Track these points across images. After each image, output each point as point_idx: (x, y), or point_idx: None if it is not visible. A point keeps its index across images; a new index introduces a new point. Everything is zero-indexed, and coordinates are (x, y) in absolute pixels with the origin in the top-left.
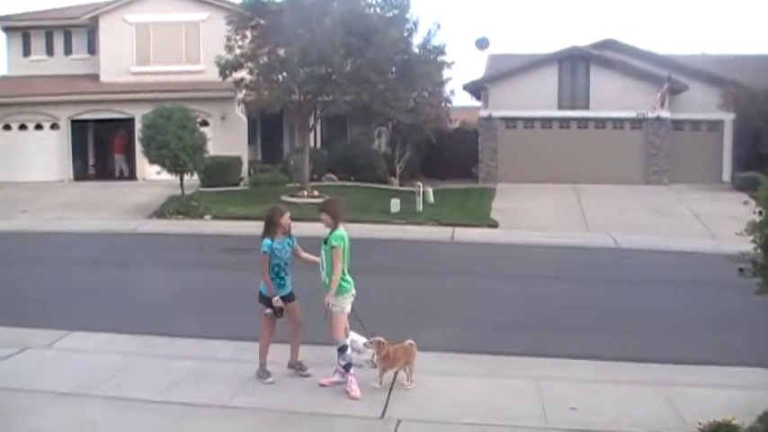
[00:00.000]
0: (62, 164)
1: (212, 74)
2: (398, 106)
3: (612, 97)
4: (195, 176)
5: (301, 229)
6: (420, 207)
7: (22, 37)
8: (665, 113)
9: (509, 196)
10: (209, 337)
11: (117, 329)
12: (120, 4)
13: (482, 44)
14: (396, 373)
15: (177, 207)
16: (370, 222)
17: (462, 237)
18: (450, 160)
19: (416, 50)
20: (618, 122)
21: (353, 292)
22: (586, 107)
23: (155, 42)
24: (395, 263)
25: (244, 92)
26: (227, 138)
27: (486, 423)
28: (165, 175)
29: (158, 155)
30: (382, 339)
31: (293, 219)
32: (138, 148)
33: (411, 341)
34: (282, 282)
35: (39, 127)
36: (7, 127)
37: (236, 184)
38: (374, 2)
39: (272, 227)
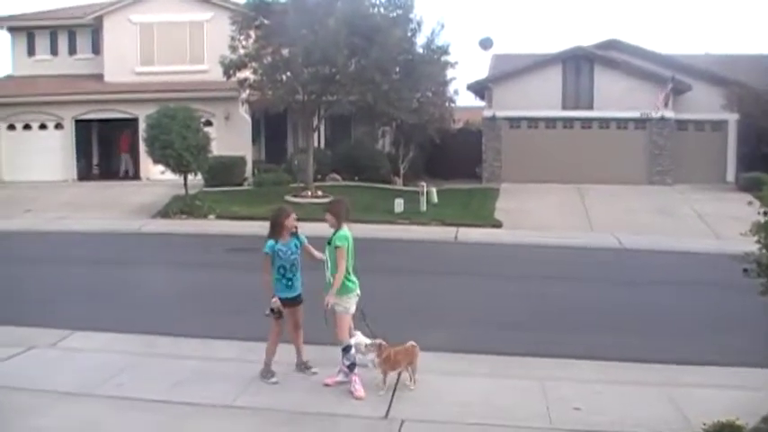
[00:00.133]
0: (66, 163)
1: (216, 74)
2: (402, 106)
3: (616, 97)
4: (199, 176)
5: (305, 229)
6: (424, 207)
7: (26, 37)
8: (669, 114)
9: (513, 196)
10: (212, 337)
11: (121, 329)
12: (124, 4)
13: (486, 44)
14: (399, 374)
15: (181, 207)
16: (374, 222)
17: (466, 237)
18: (454, 160)
19: (420, 50)
20: (622, 122)
21: (358, 292)
22: (590, 107)
23: (159, 42)
24: (398, 263)
25: (248, 92)
26: (230, 138)
27: (489, 423)
28: (169, 175)
29: (162, 155)
30: (383, 342)
31: (297, 219)
32: (142, 147)
33: (413, 342)
34: (290, 283)
35: (43, 127)
36: (12, 127)
37: (240, 184)
38: (378, 2)
39: (276, 228)
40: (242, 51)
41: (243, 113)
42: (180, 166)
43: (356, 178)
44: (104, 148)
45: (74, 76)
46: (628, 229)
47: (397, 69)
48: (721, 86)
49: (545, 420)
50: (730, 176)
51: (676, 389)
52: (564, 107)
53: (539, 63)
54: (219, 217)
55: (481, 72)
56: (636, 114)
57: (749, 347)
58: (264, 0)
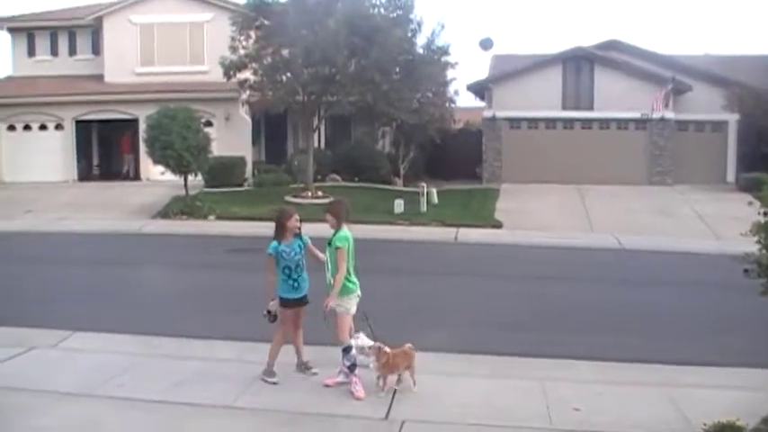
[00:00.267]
0: (66, 164)
1: (216, 74)
2: (402, 107)
3: (617, 98)
4: (199, 177)
5: (305, 229)
6: (424, 208)
7: (26, 37)
8: (670, 114)
9: (513, 197)
10: (213, 338)
11: (121, 330)
12: (124, 4)
13: (486, 45)
14: (399, 376)
15: (181, 207)
16: (374, 223)
17: (466, 237)
18: (454, 161)
19: (420, 51)
20: (622, 123)
21: (359, 293)
22: (590, 108)
23: (159, 43)
24: (399, 263)
25: (248, 92)
26: (231, 138)
27: (490, 424)
28: (169, 176)
29: (162, 155)
30: (381, 345)
31: (300, 220)
32: (143, 148)
33: (410, 345)
34: (295, 284)
35: (43, 127)
36: (12, 127)
37: (240, 185)
38: (378, 2)
39: (279, 229)
40: (242, 52)
41: (243, 114)
42: (180, 167)
43: (356, 179)
44: (105, 148)
45: (74, 77)
46: (628, 230)
47: (398, 70)
48: (722, 87)
49: (545, 421)
50: (730, 177)
51: (677, 389)
52: (564, 108)
53: (539, 63)
54: (219, 218)
55: (481, 72)
56: (636, 115)
57: (750, 348)
58: (265, 1)
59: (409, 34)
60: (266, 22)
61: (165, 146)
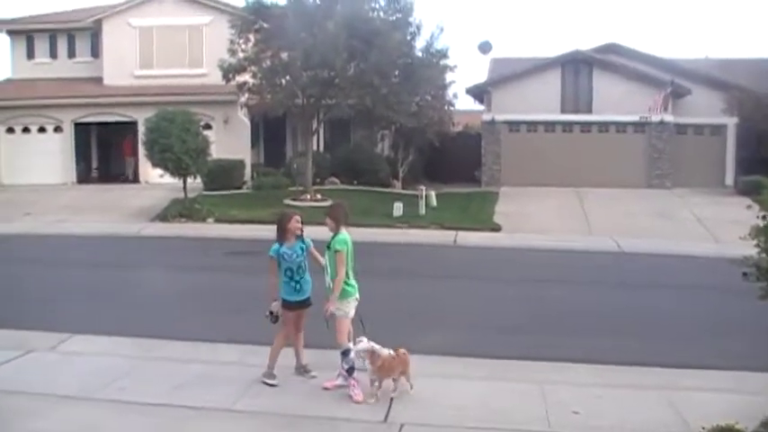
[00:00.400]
0: (65, 167)
1: (215, 77)
2: (401, 110)
3: (615, 101)
4: (198, 180)
5: (304, 232)
6: (423, 211)
7: (25, 40)
8: (669, 117)
9: (512, 200)
10: (213, 341)
11: (121, 332)
12: (123, 7)
13: (485, 48)
14: (395, 380)
15: (180, 210)
16: (373, 226)
17: (465, 240)
18: (453, 164)
19: (419, 54)
20: (621, 126)
21: (357, 296)
22: (589, 111)
23: (158, 46)
24: (397, 266)
25: (247, 95)
26: (230, 141)
27: (488, 427)
28: (168, 179)
29: (161, 158)
30: (377, 349)
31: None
32: (142, 151)
33: (404, 350)
34: (298, 286)
35: (42, 130)
36: (11, 130)
37: (239, 188)
38: (377, 5)
39: (280, 232)
40: (241, 55)
41: (242, 117)
42: (179, 170)
43: (355, 182)
44: (103, 151)
45: (73, 80)
46: (627, 233)
47: (397, 73)
48: (721, 90)
49: (544, 424)
50: (729, 180)
51: (675, 392)
52: (563, 111)
53: (538, 67)
54: (218, 220)
55: (480, 76)
56: (635, 118)
57: (748, 351)
58: (264, 4)
59: (408, 37)
60: (265, 25)
61: (163, 149)
